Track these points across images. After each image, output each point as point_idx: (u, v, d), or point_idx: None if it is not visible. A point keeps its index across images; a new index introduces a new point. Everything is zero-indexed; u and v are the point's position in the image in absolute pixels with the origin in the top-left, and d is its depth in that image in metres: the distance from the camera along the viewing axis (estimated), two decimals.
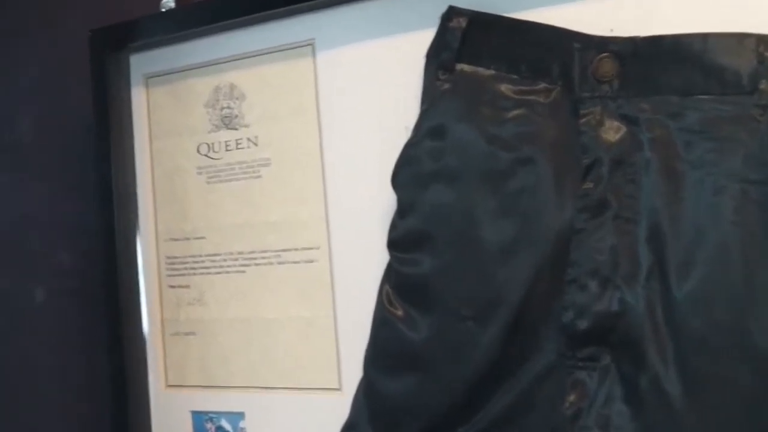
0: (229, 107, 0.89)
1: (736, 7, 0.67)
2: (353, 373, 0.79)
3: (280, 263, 0.86)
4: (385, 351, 0.76)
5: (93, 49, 0.94)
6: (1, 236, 1.11)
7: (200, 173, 0.91)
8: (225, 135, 0.89)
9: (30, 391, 1.08)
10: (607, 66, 0.69)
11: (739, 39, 0.65)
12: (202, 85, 0.91)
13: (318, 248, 0.84)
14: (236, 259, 0.88)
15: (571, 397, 0.68)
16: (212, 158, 0.90)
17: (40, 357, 1.07)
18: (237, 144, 0.88)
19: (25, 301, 1.09)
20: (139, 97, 0.95)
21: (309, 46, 0.84)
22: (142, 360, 0.93)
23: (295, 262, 0.85)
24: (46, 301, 1.07)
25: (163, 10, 0.92)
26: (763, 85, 0.64)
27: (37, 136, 1.07)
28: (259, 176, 0.87)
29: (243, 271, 0.88)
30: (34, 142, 1.08)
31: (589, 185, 0.68)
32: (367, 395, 0.77)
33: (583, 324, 0.68)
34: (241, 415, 0.88)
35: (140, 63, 0.95)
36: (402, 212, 0.75)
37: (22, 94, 1.09)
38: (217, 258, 0.90)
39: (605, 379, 0.68)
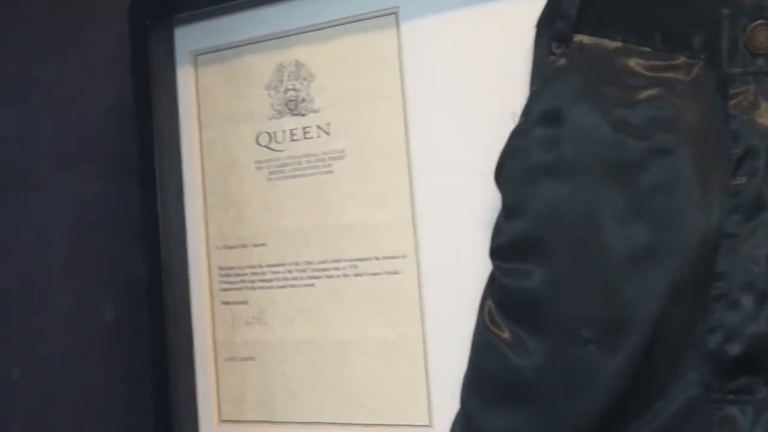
0: (294, 89, 0.89)
1: None
2: (446, 406, 0.79)
3: (356, 275, 0.86)
4: (488, 380, 0.75)
5: (132, 22, 0.95)
6: (26, 242, 1.12)
7: (260, 168, 0.91)
8: (290, 122, 0.89)
9: (61, 421, 1.09)
10: (764, 35, 0.68)
11: None
12: (261, 64, 0.91)
13: (403, 257, 0.84)
14: (303, 271, 0.89)
15: None
16: (274, 150, 0.90)
17: (73, 383, 1.08)
18: (304, 133, 0.89)
19: (60, 314, 1.10)
20: (185, 77, 0.96)
21: (392, 16, 0.84)
22: (191, 391, 0.94)
23: (374, 274, 0.85)
24: (81, 316, 1.08)
25: None
26: None
27: (69, 125, 1.08)
28: (330, 171, 0.87)
29: (311, 285, 0.88)
30: (66, 133, 1.08)
31: (740, 180, 0.67)
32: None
33: (734, 349, 0.67)
34: None
35: (187, 37, 0.96)
36: (508, 214, 0.74)
37: (58, 82, 1.10)
38: (281, 269, 0.90)
39: (762, 415, 0.67)
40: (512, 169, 0.74)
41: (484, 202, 0.78)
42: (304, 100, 0.88)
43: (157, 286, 0.92)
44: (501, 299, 0.75)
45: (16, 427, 1.09)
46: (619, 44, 0.72)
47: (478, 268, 0.77)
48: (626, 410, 0.70)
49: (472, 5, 0.80)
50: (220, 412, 0.93)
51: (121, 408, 1.04)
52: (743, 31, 0.68)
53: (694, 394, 0.68)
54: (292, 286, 0.89)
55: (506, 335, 0.74)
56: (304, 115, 0.88)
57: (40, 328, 1.10)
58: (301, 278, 0.88)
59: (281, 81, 0.89)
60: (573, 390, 0.71)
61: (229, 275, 0.93)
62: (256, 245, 0.91)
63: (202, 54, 0.94)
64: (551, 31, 0.75)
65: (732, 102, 0.68)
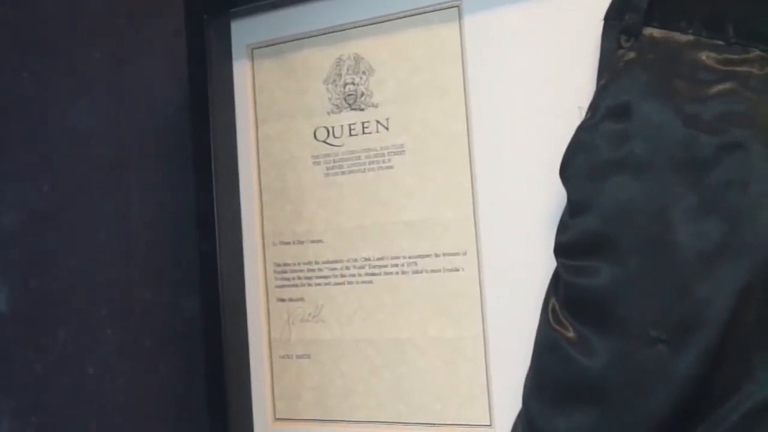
0: (353, 83, 0.89)
1: None
2: (508, 406, 0.80)
3: (415, 272, 0.86)
4: (552, 380, 0.75)
5: (188, 15, 0.96)
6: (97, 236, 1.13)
7: (317, 163, 0.92)
8: (349, 117, 0.90)
9: (118, 417, 1.10)
10: None
11: None
12: (319, 58, 0.92)
13: (464, 254, 0.84)
14: (362, 267, 0.89)
15: None
16: (333, 145, 0.91)
17: (131, 378, 1.09)
18: (363, 128, 0.89)
19: (121, 310, 1.11)
20: (242, 71, 0.97)
21: (454, 9, 0.85)
22: (245, 389, 0.94)
23: (435, 271, 0.85)
24: (141, 311, 1.09)
25: None
26: None
27: (128, 121, 1.09)
28: (390, 167, 0.88)
29: (370, 282, 0.88)
30: (125, 129, 1.10)
31: None
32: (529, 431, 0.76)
33: None
34: None
35: (243, 31, 0.97)
36: (574, 210, 0.74)
37: (107, 71, 1.11)
38: (338, 266, 0.90)
39: None
40: (579, 165, 0.74)
41: (548, 199, 0.78)
42: (363, 94, 0.89)
43: (213, 283, 0.93)
44: (566, 297, 0.75)
45: (92, 421, 1.10)
46: (690, 37, 0.72)
47: (541, 265, 0.78)
48: (695, 411, 0.69)
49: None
50: (275, 411, 0.94)
51: (177, 406, 1.05)
52: None
53: (766, 396, 0.68)
54: (350, 283, 0.89)
55: (571, 334, 0.74)
56: (363, 109, 0.88)
57: (103, 326, 1.11)
58: (359, 275, 0.89)
59: (340, 75, 0.90)
60: (641, 391, 0.70)
61: (285, 272, 0.93)
62: (312, 241, 0.91)
63: (259, 48, 0.95)
64: (620, 24, 0.74)
65: None
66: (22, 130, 1.13)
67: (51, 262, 1.12)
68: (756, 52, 0.70)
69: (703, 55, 0.71)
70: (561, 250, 0.75)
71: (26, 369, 1.11)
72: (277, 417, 0.94)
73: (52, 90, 1.12)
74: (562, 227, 0.75)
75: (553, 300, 0.76)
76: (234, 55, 0.97)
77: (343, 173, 0.90)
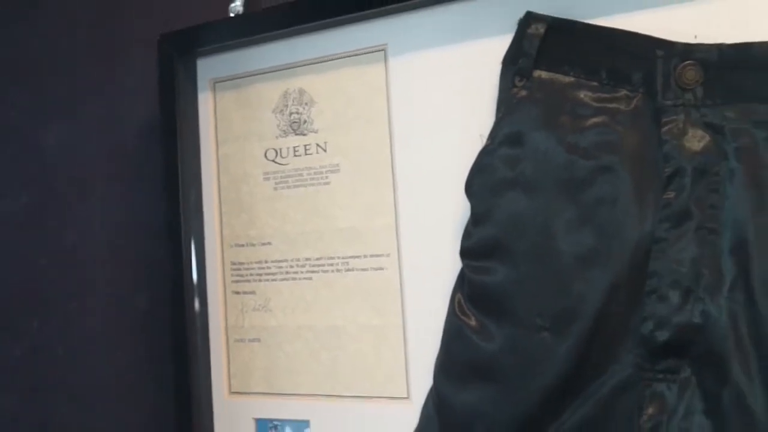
0: (297, 112, 0.90)
1: None
2: (422, 382, 0.80)
3: (348, 270, 0.87)
4: (457, 361, 0.76)
5: (161, 53, 0.96)
6: (66, 240, 1.12)
7: (267, 179, 0.92)
8: (293, 140, 0.90)
9: (95, 391, 1.09)
10: (691, 73, 0.69)
11: None
12: (270, 90, 0.92)
13: (387, 256, 0.84)
14: (303, 266, 0.89)
15: (650, 410, 0.68)
16: (280, 164, 0.91)
17: (107, 358, 1.09)
18: (305, 150, 0.89)
19: (96, 303, 1.10)
20: (205, 101, 0.96)
21: (381, 52, 0.85)
22: (205, 367, 0.94)
23: (363, 270, 0.86)
24: (115, 304, 1.09)
25: (232, 15, 0.93)
26: None
27: (103, 139, 1.09)
28: (327, 183, 0.88)
29: (310, 278, 0.89)
30: (101, 146, 1.09)
31: (670, 195, 0.68)
32: (437, 406, 0.77)
33: (662, 335, 0.68)
34: (306, 423, 0.89)
35: (207, 67, 0.96)
36: (476, 220, 0.75)
37: (89, 98, 1.11)
38: (284, 264, 0.90)
39: (685, 392, 0.68)
40: (480, 183, 0.75)
41: (457, 211, 0.79)
42: (305, 122, 0.89)
43: (179, 279, 0.93)
44: (469, 292, 0.76)
45: (63, 395, 1.09)
46: (572, 79, 0.73)
47: (450, 266, 0.78)
48: (572, 386, 0.71)
49: (450, 44, 0.81)
50: (230, 385, 0.94)
51: (146, 381, 1.05)
52: (674, 69, 0.69)
53: (629, 373, 0.69)
54: (293, 279, 0.90)
55: (473, 323, 0.75)
56: (305, 134, 0.89)
57: (82, 314, 1.11)
58: (301, 272, 0.89)
59: (286, 105, 0.90)
60: (529, 369, 0.71)
61: (239, 269, 0.93)
62: (263, 244, 0.92)
63: (220, 81, 0.95)
64: (515, 67, 0.76)
65: (664, 129, 0.69)
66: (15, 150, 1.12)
67: (27, 262, 1.12)
68: (623, 92, 0.71)
69: (582, 94, 0.73)
70: (465, 253, 0.76)
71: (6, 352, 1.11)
72: (232, 391, 0.94)
73: (37, 115, 1.12)
74: (467, 234, 0.76)
75: (458, 294, 0.77)
76: (199, 88, 0.97)
77: (288, 187, 0.90)
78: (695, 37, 0.70)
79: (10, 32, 1.18)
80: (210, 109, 0.96)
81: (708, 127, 0.68)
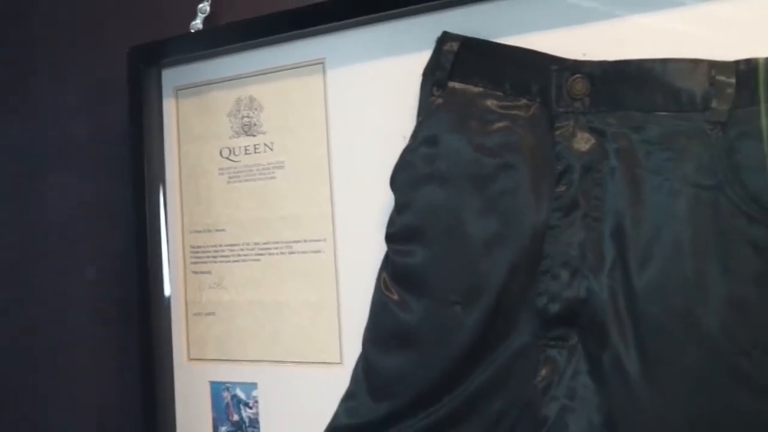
0: (248, 116, 0.89)
1: (689, 36, 0.68)
2: (353, 349, 0.80)
3: (290, 253, 0.86)
4: (382, 330, 0.76)
5: (130, 64, 0.95)
6: (49, 224, 1.11)
7: (222, 174, 0.91)
8: (244, 141, 0.90)
9: (69, 358, 1.08)
10: (580, 85, 0.70)
11: (694, 64, 0.66)
12: (225, 97, 0.91)
13: (324, 240, 0.84)
14: (252, 249, 0.89)
15: (543, 372, 0.69)
16: (233, 161, 0.90)
17: (79, 329, 1.07)
18: (255, 149, 0.89)
19: (71, 279, 1.09)
20: (169, 106, 0.96)
21: (320, 65, 0.85)
22: (167, 336, 0.94)
23: (303, 252, 0.86)
24: (88, 285, 1.07)
25: (192, 30, 0.92)
26: (714, 104, 0.64)
27: (80, 140, 1.08)
28: (273, 177, 0.88)
29: (258, 260, 0.89)
30: (78, 146, 1.08)
31: (561, 188, 0.69)
32: (365, 369, 0.77)
33: (554, 308, 0.69)
34: (254, 386, 0.89)
35: (171, 77, 0.96)
36: (399, 210, 0.76)
37: (69, 103, 1.09)
38: (236, 248, 0.90)
39: (573, 356, 0.69)
40: (402, 178, 0.76)
41: (383, 202, 0.79)
42: (255, 124, 0.89)
43: (144, 261, 0.92)
44: (393, 271, 0.76)
45: (40, 366, 1.08)
46: (480, 89, 0.74)
47: (377, 249, 0.78)
48: (479, 352, 0.71)
49: (379, 59, 0.82)
50: (189, 352, 0.93)
51: (116, 349, 1.04)
52: (566, 82, 0.70)
53: (526, 341, 0.70)
54: (244, 260, 0.89)
55: (396, 298, 0.75)
56: (254, 135, 0.89)
57: (60, 291, 1.09)
58: (250, 255, 0.89)
59: (239, 110, 0.90)
60: (443, 337, 0.72)
61: (197, 252, 0.93)
62: (218, 230, 0.91)
63: (182, 89, 0.94)
64: (433, 79, 0.76)
65: (557, 132, 0.70)
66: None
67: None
68: (523, 101, 0.72)
69: (488, 102, 0.73)
70: (389, 238, 0.76)
71: None
72: (190, 357, 0.93)
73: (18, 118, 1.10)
74: (391, 222, 0.76)
75: (384, 273, 0.77)
76: (163, 94, 0.96)
77: (240, 181, 0.90)
78: (583, 54, 0.71)
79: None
80: (173, 113, 0.95)
81: (593, 131, 0.69)
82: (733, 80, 0.64)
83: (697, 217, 0.64)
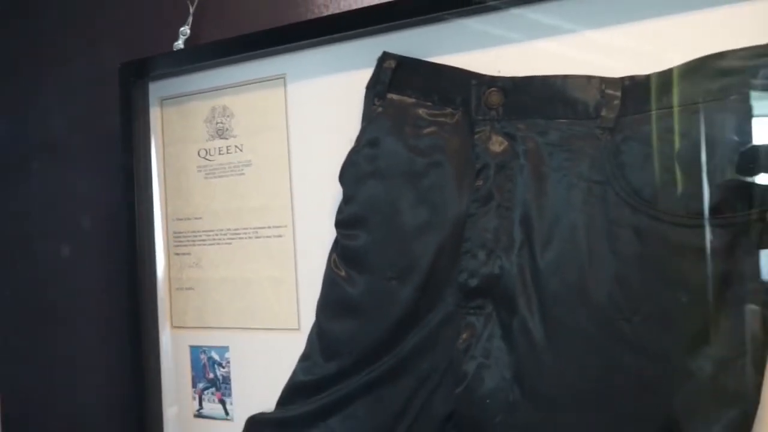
0: (221, 122, 0.87)
1: (581, 56, 0.67)
2: (309, 317, 0.79)
3: (257, 237, 0.85)
4: (332, 302, 0.76)
5: (121, 78, 0.92)
6: (53, 214, 1.08)
7: (199, 171, 0.89)
8: (218, 143, 0.88)
9: (68, 327, 1.06)
10: (495, 97, 0.69)
11: (588, 79, 0.65)
12: (202, 106, 0.89)
13: (285, 227, 0.83)
14: (225, 234, 0.87)
15: (464, 335, 0.69)
16: (209, 160, 0.88)
17: (78, 301, 1.05)
18: (227, 150, 0.87)
19: (76, 259, 1.06)
20: (155, 114, 0.93)
21: (281, 79, 0.83)
22: (153, 308, 0.92)
23: (268, 237, 0.84)
24: (86, 264, 1.04)
25: (175, 49, 0.90)
26: (603, 113, 0.64)
27: (79, 143, 1.05)
28: (242, 174, 0.86)
29: (230, 243, 0.87)
30: (77, 148, 1.05)
31: (479, 183, 0.69)
32: (318, 334, 0.77)
33: (473, 282, 0.68)
34: (226, 348, 0.87)
35: (157, 89, 0.93)
36: (346, 201, 0.75)
37: (68, 112, 1.07)
38: (211, 233, 0.88)
39: (488, 322, 0.68)
40: (349, 174, 0.75)
41: (334, 195, 0.78)
42: (227, 129, 0.87)
43: (132, 245, 0.90)
44: (341, 252, 0.75)
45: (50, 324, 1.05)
46: (413, 100, 0.73)
47: (328, 234, 0.77)
48: (412, 319, 0.71)
49: (331, 74, 0.80)
50: (172, 321, 0.91)
51: (109, 319, 1.01)
52: (483, 94, 0.70)
53: (450, 310, 0.70)
54: (218, 244, 0.88)
55: (343, 274, 0.74)
56: (227, 138, 0.87)
57: (60, 272, 1.07)
58: (224, 239, 0.87)
59: (213, 117, 0.88)
60: (382, 307, 0.72)
61: (179, 237, 0.91)
62: (196, 218, 0.89)
63: (166, 99, 0.92)
64: (374, 91, 0.75)
65: (476, 136, 0.69)
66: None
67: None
68: (449, 110, 0.71)
69: (420, 111, 0.72)
70: (338, 224, 0.75)
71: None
72: (173, 326, 0.91)
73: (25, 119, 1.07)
74: (339, 211, 0.75)
75: (334, 254, 0.76)
76: (150, 104, 0.93)
77: (215, 177, 0.88)
78: (498, 71, 0.70)
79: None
80: (158, 119, 0.93)
81: (506, 135, 0.69)
82: (619, 93, 0.64)
83: (589, 207, 0.64)
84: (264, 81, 0.85)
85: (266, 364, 0.84)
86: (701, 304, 0.59)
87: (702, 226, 0.59)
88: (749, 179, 0.59)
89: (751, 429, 0.59)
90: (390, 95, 0.74)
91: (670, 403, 0.60)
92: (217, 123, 0.88)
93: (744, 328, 0.59)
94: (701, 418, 0.60)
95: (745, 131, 0.58)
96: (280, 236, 0.83)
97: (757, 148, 0.58)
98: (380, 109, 0.74)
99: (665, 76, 0.62)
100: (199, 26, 0.92)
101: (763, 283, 0.59)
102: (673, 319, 0.60)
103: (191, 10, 0.91)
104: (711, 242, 0.59)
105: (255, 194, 0.85)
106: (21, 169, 1.11)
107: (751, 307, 0.59)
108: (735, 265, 0.59)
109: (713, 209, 0.59)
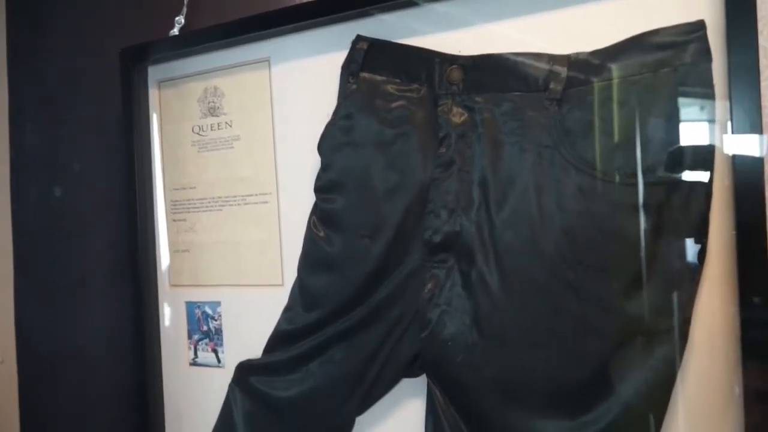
0: (213, 102, 0.85)
1: (536, 35, 0.66)
2: (291, 274, 0.78)
3: (245, 204, 0.83)
4: (312, 259, 0.74)
5: (122, 62, 0.89)
6: (63, 180, 1.05)
7: (193, 145, 0.87)
8: (210, 120, 0.85)
9: (78, 286, 1.03)
10: (456, 73, 0.68)
11: (538, 56, 0.64)
12: (196, 87, 0.87)
13: (270, 194, 0.81)
14: (217, 202, 0.85)
15: (429, 286, 0.68)
16: (202, 136, 0.86)
17: (87, 263, 1.02)
18: (218, 126, 0.85)
19: (81, 229, 1.03)
20: (153, 95, 0.90)
21: (266, 62, 0.81)
22: (153, 268, 0.89)
23: (255, 203, 0.82)
24: (94, 230, 1.02)
25: (171, 35, 0.87)
26: (551, 86, 0.63)
27: (89, 122, 1.02)
28: (232, 147, 0.84)
29: (221, 210, 0.85)
30: (87, 126, 1.02)
31: (442, 150, 0.68)
32: (300, 288, 0.75)
33: (437, 239, 0.67)
34: (218, 303, 0.85)
35: (155, 72, 0.90)
36: (324, 168, 0.73)
37: (78, 92, 1.03)
38: (204, 201, 0.86)
39: (450, 274, 0.67)
40: (326, 145, 0.73)
41: (313, 164, 0.76)
42: (218, 107, 0.85)
43: (133, 212, 0.88)
44: (320, 215, 0.74)
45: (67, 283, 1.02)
46: (383, 78, 0.71)
47: (309, 199, 0.75)
48: (382, 273, 0.70)
49: (311, 57, 0.78)
50: (170, 280, 0.89)
51: (113, 278, 0.99)
52: (445, 71, 0.68)
53: (417, 264, 0.69)
54: (210, 210, 0.86)
55: (322, 234, 0.73)
56: (218, 116, 0.85)
57: (69, 239, 1.04)
58: (215, 206, 0.85)
59: (206, 97, 0.86)
60: (356, 263, 0.70)
61: (176, 205, 0.88)
62: (191, 188, 0.87)
63: (163, 81, 0.89)
64: (348, 70, 0.73)
65: (439, 109, 0.68)
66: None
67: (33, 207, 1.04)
68: (415, 86, 0.70)
69: (389, 87, 0.71)
70: (317, 189, 0.74)
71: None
72: (171, 284, 0.89)
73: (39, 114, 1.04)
74: (318, 178, 0.74)
75: (313, 217, 0.75)
76: (149, 86, 0.91)
77: (207, 151, 0.86)
78: (459, 51, 0.69)
79: (20, 48, 1.09)
80: (156, 100, 0.90)
81: (465, 107, 0.67)
82: (565, 68, 0.63)
83: (539, 169, 0.63)
84: (250, 64, 0.82)
85: (254, 317, 0.82)
86: (636, 254, 0.59)
87: (636, 185, 0.59)
88: (678, 143, 0.58)
89: (679, 365, 0.58)
90: (363, 74, 0.72)
91: (609, 343, 0.60)
92: (209, 102, 0.85)
93: (673, 277, 0.59)
94: (635, 356, 0.59)
95: (676, 100, 0.57)
96: (265, 202, 0.81)
97: (685, 116, 0.57)
98: (354, 87, 0.72)
99: (606, 52, 0.61)
100: (193, 15, 0.90)
101: (689, 236, 0.58)
102: (612, 268, 0.60)
103: (185, 1, 0.88)
104: (644, 200, 0.58)
105: (243, 165, 0.83)
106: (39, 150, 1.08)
107: (679, 257, 0.58)
108: (665, 220, 0.58)
109: (646, 170, 0.58)
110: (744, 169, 0.56)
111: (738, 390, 0.57)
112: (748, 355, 0.56)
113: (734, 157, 0.56)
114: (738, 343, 0.57)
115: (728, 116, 0.56)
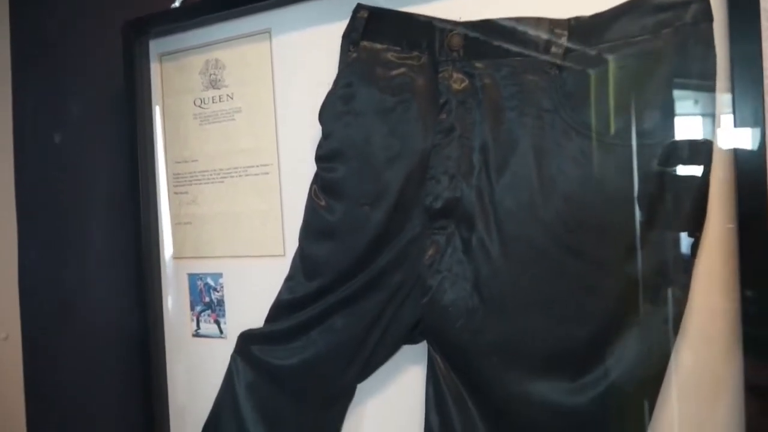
0: (214, 74, 0.84)
1: (537, 0, 0.65)
2: (292, 244, 0.78)
3: (246, 175, 0.82)
4: (313, 228, 0.74)
5: (124, 36, 0.89)
6: (66, 155, 1.05)
7: (195, 118, 0.86)
8: (212, 93, 0.85)
9: (81, 253, 1.03)
10: (456, 40, 0.67)
11: (539, 21, 0.64)
12: (197, 60, 0.86)
13: (271, 165, 0.81)
14: (218, 174, 0.85)
15: (430, 252, 0.68)
16: (203, 108, 0.86)
17: (90, 233, 1.02)
18: (219, 99, 0.84)
19: (85, 204, 1.03)
20: (155, 68, 0.90)
21: (267, 33, 0.81)
22: (156, 241, 0.89)
23: (256, 175, 0.82)
24: (98, 204, 1.01)
25: (172, 7, 0.87)
26: (552, 50, 0.63)
27: (91, 94, 1.02)
28: (233, 119, 0.83)
29: (222, 182, 0.84)
30: (89, 99, 1.02)
31: (443, 116, 0.67)
32: (301, 257, 0.75)
33: (437, 205, 0.67)
34: (220, 275, 0.85)
35: (156, 45, 0.90)
36: (325, 137, 0.73)
37: (82, 65, 1.03)
38: (206, 173, 0.86)
39: (451, 240, 0.67)
40: (328, 113, 0.73)
41: (314, 134, 0.76)
42: (219, 80, 0.84)
43: (136, 185, 0.87)
44: (321, 184, 0.73)
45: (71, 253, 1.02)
46: (384, 46, 0.71)
47: (309, 168, 0.75)
48: (384, 240, 0.69)
49: (312, 27, 0.78)
50: (173, 252, 0.89)
51: (118, 249, 0.99)
52: (446, 38, 0.68)
53: (417, 230, 0.68)
54: (212, 182, 0.85)
55: (323, 203, 0.72)
56: (219, 89, 0.84)
57: (83, 209, 1.04)
58: (217, 178, 0.85)
59: (207, 69, 0.85)
60: (357, 230, 0.70)
61: (178, 178, 0.88)
62: (193, 161, 0.87)
63: (165, 55, 0.89)
64: (349, 39, 0.73)
65: (440, 75, 0.68)
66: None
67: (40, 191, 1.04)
68: (415, 53, 0.69)
69: (390, 55, 0.70)
70: (318, 158, 0.74)
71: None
72: (174, 256, 0.89)
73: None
74: (319, 147, 0.74)
75: (314, 186, 0.74)
76: (151, 59, 0.90)
77: (209, 123, 0.85)
78: (460, 18, 0.68)
79: (24, 22, 1.08)
80: (158, 73, 0.90)
81: (466, 74, 0.67)
82: (566, 32, 0.62)
83: (539, 132, 0.63)
84: (251, 35, 0.82)
85: (255, 287, 0.82)
86: (633, 216, 0.58)
87: (637, 147, 0.58)
88: (676, 105, 0.57)
89: (679, 326, 0.58)
90: (363, 42, 0.72)
91: (610, 303, 0.59)
92: (210, 75, 0.85)
93: (674, 238, 0.58)
94: (635, 317, 0.59)
95: (676, 62, 0.57)
96: (266, 174, 0.81)
97: (686, 76, 0.57)
98: (354, 55, 0.71)
99: (606, 15, 0.61)
100: None
101: (690, 198, 0.58)
102: (613, 230, 0.59)
103: None
104: (645, 161, 0.58)
105: (244, 137, 0.82)
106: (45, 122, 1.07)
107: (676, 217, 0.58)
108: (666, 181, 0.58)
109: (647, 132, 0.58)
110: (746, 162, 0.55)
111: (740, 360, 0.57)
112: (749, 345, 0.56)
113: (736, 150, 0.56)
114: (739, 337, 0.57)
115: (731, 108, 0.55)
